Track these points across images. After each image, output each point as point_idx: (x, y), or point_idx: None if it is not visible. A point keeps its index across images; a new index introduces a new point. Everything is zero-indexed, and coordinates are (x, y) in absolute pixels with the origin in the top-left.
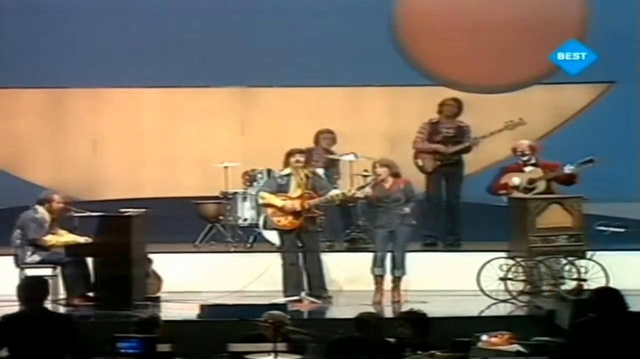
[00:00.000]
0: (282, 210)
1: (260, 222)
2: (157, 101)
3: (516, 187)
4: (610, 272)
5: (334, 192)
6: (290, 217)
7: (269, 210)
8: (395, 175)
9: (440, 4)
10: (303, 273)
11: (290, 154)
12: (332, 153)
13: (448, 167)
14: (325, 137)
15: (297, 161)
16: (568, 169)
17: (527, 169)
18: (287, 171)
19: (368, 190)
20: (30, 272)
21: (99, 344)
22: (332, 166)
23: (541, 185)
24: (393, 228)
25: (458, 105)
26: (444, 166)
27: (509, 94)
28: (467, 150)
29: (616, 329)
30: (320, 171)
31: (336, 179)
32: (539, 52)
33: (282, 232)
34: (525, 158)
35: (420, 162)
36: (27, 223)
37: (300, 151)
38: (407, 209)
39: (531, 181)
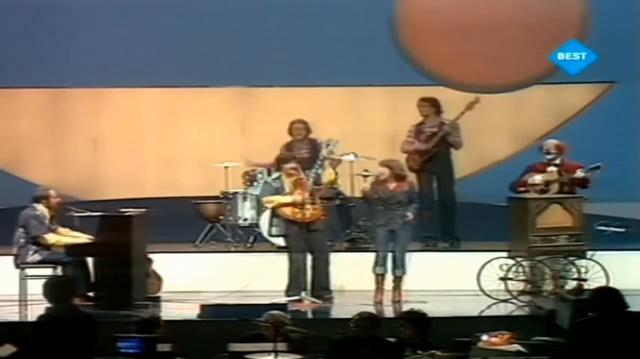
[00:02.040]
0: (295, 205)
1: (265, 230)
2: (157, 101)
3: (535, 186)
4: (611, 272)
5: (318, 169)
6: (310, 207)
7: (286, 209)
8: (400, 177)
9: (440, 4)
10: (307, 273)
11: (282, 160)
12: (317, 142)
13: (435, 165)
14: (297, 128)
15: (291, 169)
16: (579, 173)
17: (550, 169)
18: (277, 174)
19: (366, 185)
20: (31, 271)
21: (99, 344)
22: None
23: (554, 187)
24: (394, 228)
25: (431, 104)
26: (430, 164)
27: (509, 94)
28: (455, 146)
29: (616, 329)
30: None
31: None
32: (539, 52)
33: (291, 234)
34: (550, 157)
35: (410, 163)
36: (29, 221)
37: (293, 157)
38: (410, 215)
39: (547, 183)
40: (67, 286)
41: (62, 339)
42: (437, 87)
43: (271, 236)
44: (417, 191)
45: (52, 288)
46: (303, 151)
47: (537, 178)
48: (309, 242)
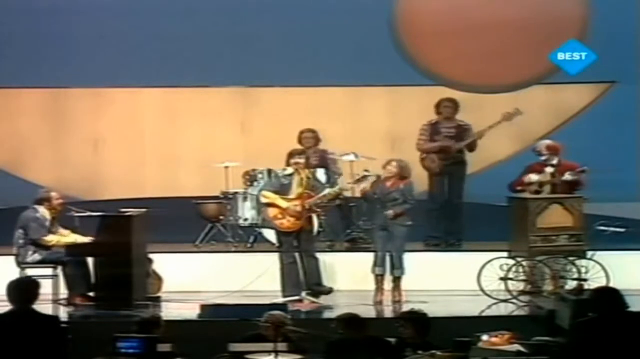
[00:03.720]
0: (284, 211)
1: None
2: (157, 100)
3: (531, 185)
4: (611, 272)
5: (328, 190)
6: (292, 219)
7: (271, 210)
8: (403, 178)
9: (440, 4)
10: (300, 272)
11: (290, 154)
12: (327, 152)
13: (451, 166)
14: (306, 137)
15: (296, 163)
16: (567, 176)
17: (548, 169)
18: (290, 170)
19: (364, 185)
20: (31, 272)
21: (99, 344)
22: (330, 164)
23: (547, 188)
24: (388, 227)
25: (454, 105)
26: (449, 166)
27: (509, 94)
28: (471, 148)
29: (616, 329)
30: (322, 171)
31: (337, 179)
32: (539, 52)
33: (281, 232)
34: (543, 158)
35: (427, 163)
36: (28, 223)
37: (301, 152)
38: (390, 212)
39: (541, 184)
40: (23, 289)
41: (13, 341)
42: (437, 87)
43: (264, 227)
44: (424, 189)
45: (7, 289)
46: (312, 159)
47: (533, 177)
48: (297, 242)
